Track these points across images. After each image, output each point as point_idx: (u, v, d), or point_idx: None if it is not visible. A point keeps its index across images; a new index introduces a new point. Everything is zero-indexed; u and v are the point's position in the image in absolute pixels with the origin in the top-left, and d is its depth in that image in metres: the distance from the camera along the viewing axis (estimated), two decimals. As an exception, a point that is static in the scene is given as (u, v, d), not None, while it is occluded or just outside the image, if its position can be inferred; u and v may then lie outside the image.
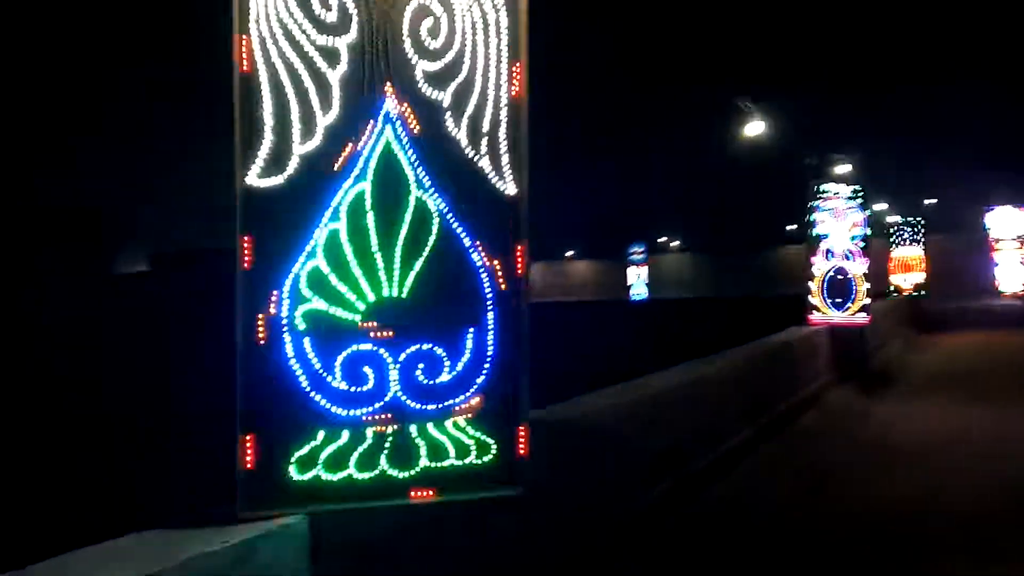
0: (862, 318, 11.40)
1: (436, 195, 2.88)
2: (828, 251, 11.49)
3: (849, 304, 11.40)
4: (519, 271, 3.03)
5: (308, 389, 2.69)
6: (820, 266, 11.48)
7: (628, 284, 44.29)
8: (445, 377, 2.88)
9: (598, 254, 52.15)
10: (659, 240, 52.24)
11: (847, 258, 11.46)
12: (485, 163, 2.97)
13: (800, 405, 9.24)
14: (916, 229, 21.70)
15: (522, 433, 2.99)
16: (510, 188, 3.01)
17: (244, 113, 2.67)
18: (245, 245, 2.64)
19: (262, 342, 2.64)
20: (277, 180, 2.70)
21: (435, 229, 2.87)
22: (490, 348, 2.94)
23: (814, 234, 11.51)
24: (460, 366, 2.90)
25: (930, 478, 6.76)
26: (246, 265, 2.63)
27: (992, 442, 8.13)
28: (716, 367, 6.91)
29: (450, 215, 2.89)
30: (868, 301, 11.44)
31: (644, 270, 43.84)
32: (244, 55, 2.67)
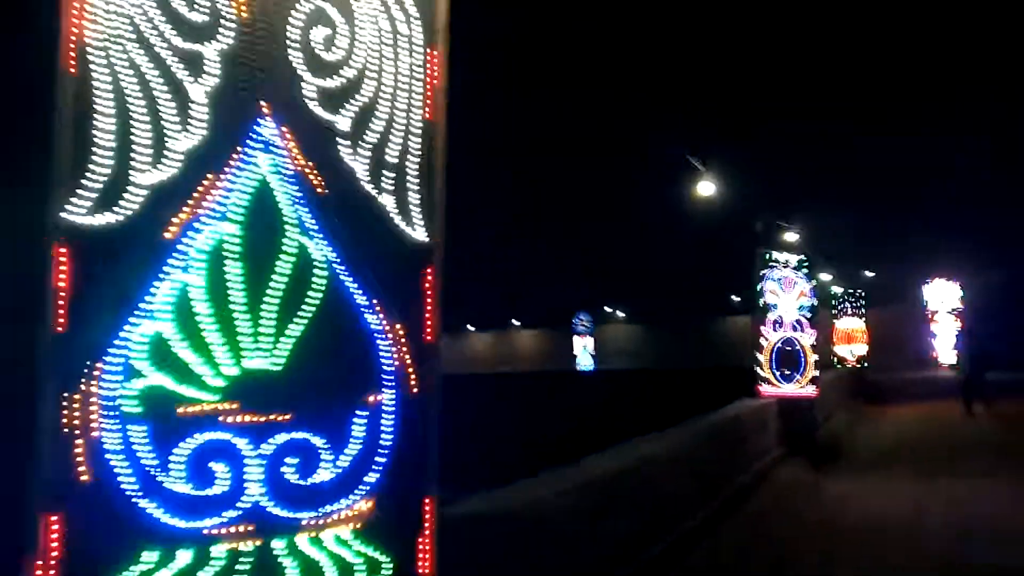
0: (811, 390, 11.06)
1: (324, 241, 2.28)
2: (776, 321, 11.20)
3: (798, 376, 11.06)
4: (428, 337, 2.43)
5: (135, 494, 1.99)
6: (769, 337, 11.16)
7: (574, 354, 43.97)
8: (325, 475, 2.22)
9: (545, 323, 51.85)
10: (606, 309, 52.24)
11: (796, 328, 11.18)
12: (388, 202, 2.40)
13: (751, 484, 8.72)
14: (858, 301, 21.90)
15: (425, 546, 2.33)
16: (419, 234, 2.44)
17: (69, 129, 2.05)
18: (60, 301, 1.98)
19: (74, 430, 1.95)
20: (110, 218, 2.06)
21: (321, 283, 2.26)
22: (386, 437, 2.30)
23: (762, 304, 11.24)
24: (345, 460, 2.25)
25: (886, 566, 6.29)
26: (59, 327, 1.97)
27: (945, 523, 7.73)
28: (665, 445, 6.36)
29: (341, 266, 2.29)
30: (817, 373, 11.12)
31: (590, 341, 43.65)
32: (74, 53, 2.06)
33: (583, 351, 43.93)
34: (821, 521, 7.77)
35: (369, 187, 2.36)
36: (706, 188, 11.44)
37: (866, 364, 21.89)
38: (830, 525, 7.70)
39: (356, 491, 2.26)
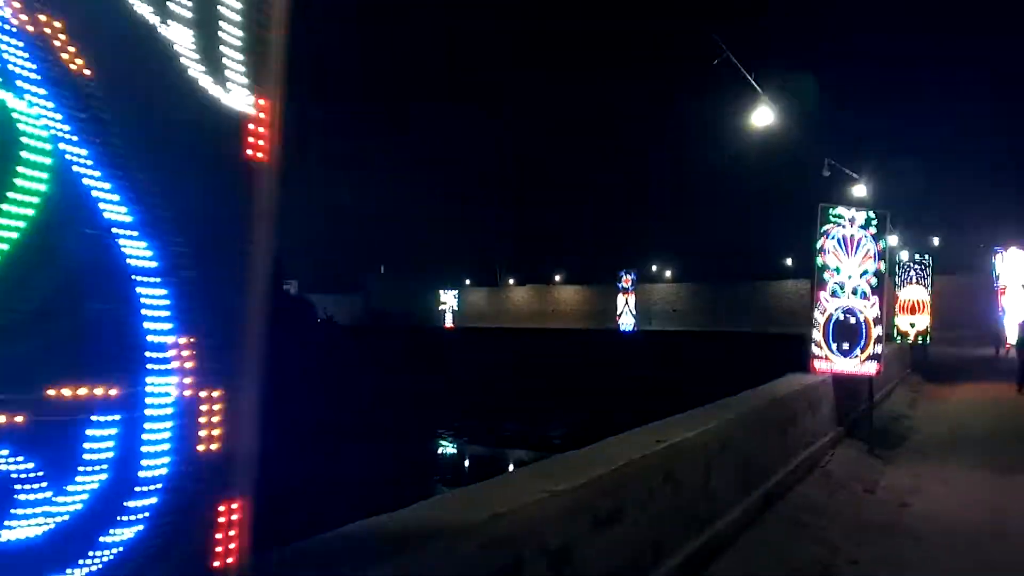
0: (872, 367, 9.80)
1: (44, 98, 1.25)
2: (837, 288, 9.91)
3: (858, 351, 9.79)
4: (255, 285, 1.39)
5: None
6: (826, 305, 9.89)
7: (617, 313, 42.75)
8: (40, 522, 1.22)
9: (588, 279, 50.57)
10: (652, 268, 50.65)
11: (858, 296, 9.88)
12: (180, 36, 1.35)
13: (800, 472, 7.61)
14: (924, 268, 20.18)
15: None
16: (236, 98, 1.39)
17: None
18: None
19: None
20: None
21: (38, 177, 1.24)
22: (156, 456, 1.29)
23: (820, 266, 9.94)
24: (73, 500, 1.24)
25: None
26: None
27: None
28: (696, 430, 5.30)
29: (79, 146, 1.26)
30: (879, 348, 9.84)
31: (632, 299, 42.29)
32: None
33: (625, 310, 42.64)
34: (881, 524, 6.66)
35: (144, 7, 1.30)
36: (763, 117, 9.99)
37: (929, 339, 20.26)
38: (888, 527, 6.60)
39: (87, 552, 1.24)
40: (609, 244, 47.70)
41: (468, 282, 57.30)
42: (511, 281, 56.46)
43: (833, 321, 9.85)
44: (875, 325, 9.85)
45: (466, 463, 18.81)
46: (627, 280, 42.94)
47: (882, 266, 10.00)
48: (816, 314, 9.89)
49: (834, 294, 9.90)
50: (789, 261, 43.91)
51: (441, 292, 50.52)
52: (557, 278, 53.84)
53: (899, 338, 19.94)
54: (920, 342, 20.49)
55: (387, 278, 56.85)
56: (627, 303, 42.76)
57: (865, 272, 9.95)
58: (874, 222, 10.02)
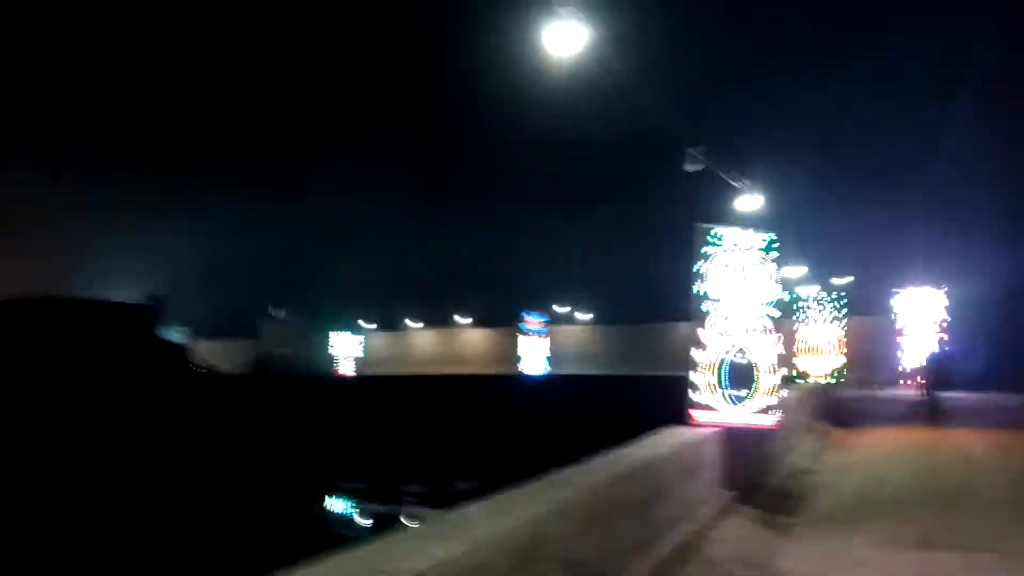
0: (770, 418, 8.22)
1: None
2: (722, 321, 8.35)
3: (748, 398, 8.21)
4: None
5: None
6: (710, 345, 8.30)
7: (519, 357, 41.02)
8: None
9: (495, 321, 48.81)
10: (566, 308, 49.20)
11: (748, 333, 8.34)
12: None
13: (669, 563, 5.84)
14: (836, 305, 19.19)
15: None
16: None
17: None
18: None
19: None
20: None
21: None
22: None
23: (701, 295, 8.37)
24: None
25: None
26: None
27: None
28: (511, 526, 3.49)
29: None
30: (777, 395, 8.28)
31: (545, 342, 40.70)
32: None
33: (528, 354, 40.95)
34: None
35: None
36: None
37: (839, 379, 19.21)
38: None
39: None
40: (518, 285, 46.32)
41: (372, 326, 54.79)
42: (416, 324, 54.19)
43: (723, 365, 8.26)
44: (772, 370, 8.30)
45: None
46: (531, 322, 41.42)
47: (780, 294, 8.51)
48: (697, 353, 8.29)
49: (721, 329, 8.33)
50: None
51: (334, 336, 47.90)
52: (462, 320, 51.91)
53: (801, 379, 18.80)
54: (829, 382, 19.40)
55: (283, 323, 53.81)
56: (532, 346, 41.18)
57: (758, 302, 8.43)
58: (774, 244, 8.55)
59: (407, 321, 53.32)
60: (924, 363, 21.62)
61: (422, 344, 50.33)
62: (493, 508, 3.92)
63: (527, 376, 39.54)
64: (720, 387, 8.19)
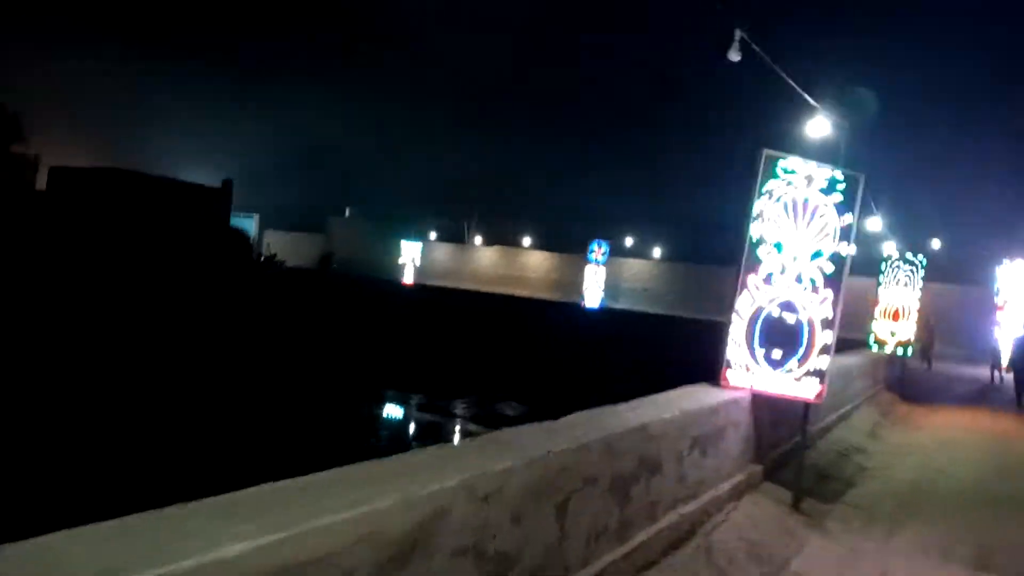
0: (811, 388, 7.02)
1: None
2: (775, 271, 7.09)
3: (793, 363, 7.01)
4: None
5: None
6: (754, 294, 7.07)
7: (584, 287, 39.90)
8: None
9: (559, 246, 47.55)
10: (628, 241, 47.55)
11: (803, 286, 7.06)
12: None
13: (656, 546, 4.87)
14: (916, 268, 17.36)
15: None
16: None
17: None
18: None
19: None
20: None
21: None
22: None
23: (755, 240, 7.10)
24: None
25: None
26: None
27: None
28: (464, 493, 2.61)
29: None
30: (827, 362, 7.05)
31: (602, 273, 39.41)
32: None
33: (593, 284, 39.76)
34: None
35: None
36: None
37: (910, 351, 17.53)
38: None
39: None
40: (586, 211, 44.69)
41: (434, 236, 54.30)
42: (478, 240, 53.37)
43: (762, 319, 7.04)
44: (823, 329, 7.05)
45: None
46: (598, 252, 40.07)
47: (845, 248, 7.16)
48: (740, 305, 7.08)
49: (768, 280, 7.08)
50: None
51: (404, 243, 47.54)
52: (526, 241, 50.79)
53: (875, 346, 17.22)
54: (901, 354, 17.74)
55: (352, 222, 53.79)
56: (596, 277, 39.96)
57: (818, 254, 7.12)
58: (840, 185, 7.16)
59: (475, 236, 52.67)
60: (1012, 346, 19.96)
61: (484, 260, 49.58)
62: (397, 469, 2.98)
63: (582, 306, 38.45)
64: (759, 345, 6.99)
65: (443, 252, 51.80)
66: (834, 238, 7.15)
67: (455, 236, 55.12)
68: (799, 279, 7.08)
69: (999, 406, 17.10)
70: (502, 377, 22.65)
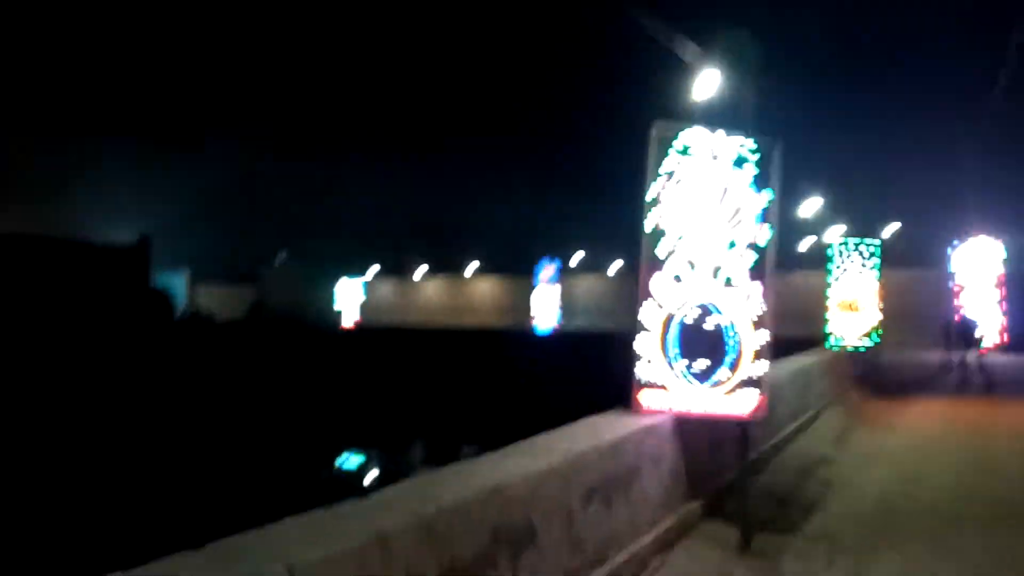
0: (746, 402, 5.95)
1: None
2: (684, 268, 6.04)
3: (722, 374, 5.94)
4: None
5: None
6: (664, 298, 6.00)
7: (532, 310, 38.88)
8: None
9: (506, 269, 46.53)
10: (580, 257, 46.61)
11: (721, 282, 6.02)
12: None
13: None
14: (868, 255, 16.62)
15: None
16: None
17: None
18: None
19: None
20: None
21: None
22: None
23: (654, 231, 6.05)
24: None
25: None
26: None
27: None
28: None
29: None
30: (763, 368, 5.99)
31: (555, 293, 38.42)
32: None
33: (544, 306, 38.76)
34: None
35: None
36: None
37: (874, 343, 16.73)
38: None
39: None
40: (533, 230, 43.81)
41: (376, 269, 52.92)
42: (422, 271, 52.11)
43: (677, 326, 5.97)
44: (753, 329, 6.00)
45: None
46: (548, 271, 39.13)
47: (766, 233, 6.15)
48: (646, 314, 6.00)
49: (678, 279, 6.02)
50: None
51: (342, 283, 46.13)
52: (471, 267, 49.68)
53: (836, 344, 16.38)
54: (862, 349, 16.92)
55: (286, 269, 52.23)
56: (548, 298, 38.97)
57: (735, 239, 6.10)
58: (753, 157, 6.17)
59: (418, 268, 51.39)
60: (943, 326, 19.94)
61: (429, 292, 48.36)
62: None
63: (534, 331, 37.37)
64: (672, 358, 5.91)
65: (386, 288, 50.49)
66: (752, 221, 6.13)
67: (398, 270, 53.92)
68: (716, 274, 6.04)
69: (971, 394, 16.36)
70: (454, 417, 21.55)
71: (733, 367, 5.95)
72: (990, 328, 23.56)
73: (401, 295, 50.18)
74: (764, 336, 5.98)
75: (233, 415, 21.56)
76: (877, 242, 16.94)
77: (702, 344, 5.95)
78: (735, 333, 5.98)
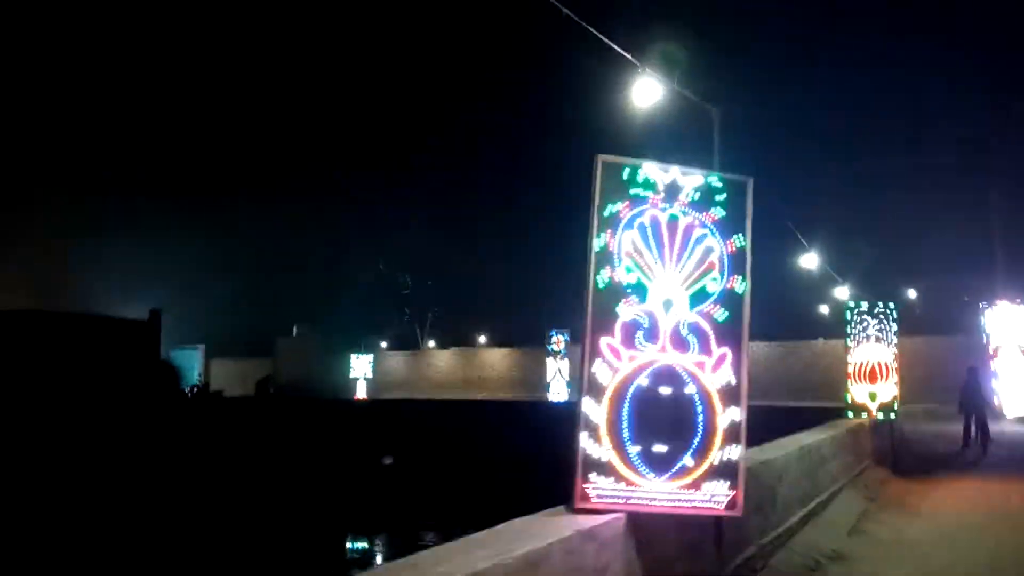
0: (717, 492, 4.75)
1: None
2: (639, 325, 4.93)
3: (687, 461, 4.76)
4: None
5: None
6: (613, 363, 4.88)
7: (547, 381, 37.48)
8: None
9: (518, 340, 45.37)
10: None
11: (683, 345, 4.90)
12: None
13: None
14: (885, 318, 15.33)
15: None
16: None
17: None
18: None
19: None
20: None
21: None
22: None
23: (605, 284, 4.96)
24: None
25: None
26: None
27: None
28: None
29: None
30: (737, 452, 4.81)
31: (565, 364, 37.07)
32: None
33: (556, 377, 37.40)
34: None
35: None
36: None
37: (894, 415, 15.30)
38: None
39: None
40: (543, 300, 42.88)
41: (384, 345, 51.99)
42: (432, 344, 51.10)
43: (631, 398, 4.82)
44: (724, 404, 4.85)
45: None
46: (558, 342, 37.88)
47: (738, 284, 5.05)
48: (593, 382, 4.86)
49: (632, 340, 4.90)
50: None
51: (353, 357, 45.19)
52: (482, 339, 48.56)
53: (852, 413, 14.99)
54: (884, 418, 15.51)
55: (299, 342, 51.49)
56: (559, 370, 37.62)
57: (703, 295, 5.00)
58: (720, 196, 5.13)
59: (429, 341, 50.48)
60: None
61: (440, 365, 47.17)
62: None
63: (548, 403, 35.91)
64: (628, 439, 4.74)
65: (396, 361, 49.43)
66: (722, 271, 5.04)
67: (409, 343, 52.90)
68: (679, 334, 4.92)
69: (1006, 470, 14.78)
70: (475, 491, 20.36)
71: (699, 452, 4.77)
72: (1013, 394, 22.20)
73: (412, 368, 49.06)
74: (737, 413, 4.82)
75: (229, 487, 20.64)
76: (893, 305, 15.67)
77: (662, 421, 4.80)
78: (702, 409, 4.83)
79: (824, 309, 34.60)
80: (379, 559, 17.64)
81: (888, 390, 15.16)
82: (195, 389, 38.31)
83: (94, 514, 16.91)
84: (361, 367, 45.55)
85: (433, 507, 20.62)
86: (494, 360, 45.32)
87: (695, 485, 4.75)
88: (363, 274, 54.03)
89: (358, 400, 43.75)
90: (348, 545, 18.78)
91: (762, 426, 11.59)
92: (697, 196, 5.11)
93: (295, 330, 53.65)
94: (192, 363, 50.59)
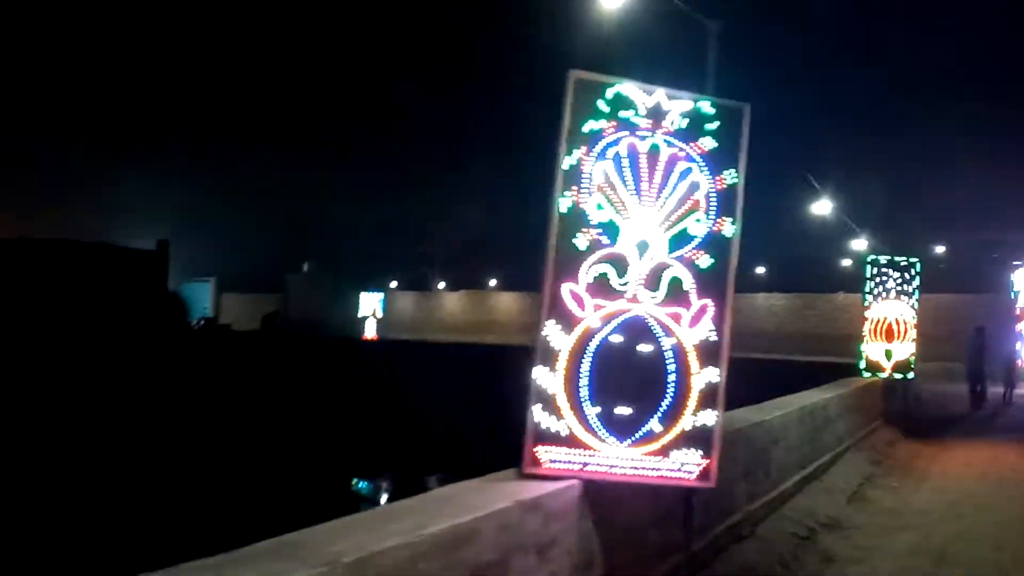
0: (687, 462, 4.23)
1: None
2: (610, 270, 4.34)
3: (653, 424, 4.23)
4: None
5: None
6: (575, 312, 4.31)
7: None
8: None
9: (531, 285, 44.88)
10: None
11: (663, 291, 4.32)
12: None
13: None
14: (906, 276, 14.60)
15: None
16: None
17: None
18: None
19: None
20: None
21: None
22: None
23: (571, 211, 4.35)
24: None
25: None
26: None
27: None
28: None
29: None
30: (713, 416, 4.27)
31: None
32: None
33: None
34: None
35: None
36: None
37: (910, 375, 14.69)
38: None
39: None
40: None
41: (395, 285, 51.66)
42: (442, 285, 50.64)
43: (594, 353, 4.26)
44: (703, 363, 4.29)
45: None
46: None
47: (727, 227, 4.44)
48: (551, 334, 4.30)
49: (600, 287, 4.32)
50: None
51: (364, 296, 44.91)
52: (493, 283, 47.99)
53: (868, 372, 14.39)
54: (900, 377, 14.92)
55: (309, 278, 51.30)
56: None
57: (684, 238, 4.40)
58: (712, 124, 4.48)
59: (439, 283, 50.00)
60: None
61: (450, 307, 46.83)
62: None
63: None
64: (588, 399, 4.20)
65: (407, 301, 49.15)
66: (708, 211, 4.42)
67: (419, 284, 52.50)
68: (653, 281, 4.33)
69: (1022, 434, 14.22)
70: (482, 433, 20.17)
71: (669, 416, 4.23)
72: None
73: (423, 309, 48.81)
74: (715, 374, 4.26)
75: (233, 423, 20.57)
76: (916, 261, 14.90)
77: (628, 379, 4.24)
78: (675, 368, 4.27)
79: (847, 262, 33.69)
80: (383, 499, 17.49)
81: (905, 349, 14.53)
82: (202, 321, 38.28)
83: (87, 447, 16.89)
84: (370, 305, 45.31)
85: (442, 451, 20.41)
86: (505, 304, 44.94)
87: (662, 452, 4.22)
88: (374, 213, 53.52)
89: (367, 339, 43.65)
90: (354, 483, 18.71)
91: (768, 382, 11.06)
92: (684, 124, 4.45)
93: (305, 267, 53.46)
94: (203, 296, 50.66)
